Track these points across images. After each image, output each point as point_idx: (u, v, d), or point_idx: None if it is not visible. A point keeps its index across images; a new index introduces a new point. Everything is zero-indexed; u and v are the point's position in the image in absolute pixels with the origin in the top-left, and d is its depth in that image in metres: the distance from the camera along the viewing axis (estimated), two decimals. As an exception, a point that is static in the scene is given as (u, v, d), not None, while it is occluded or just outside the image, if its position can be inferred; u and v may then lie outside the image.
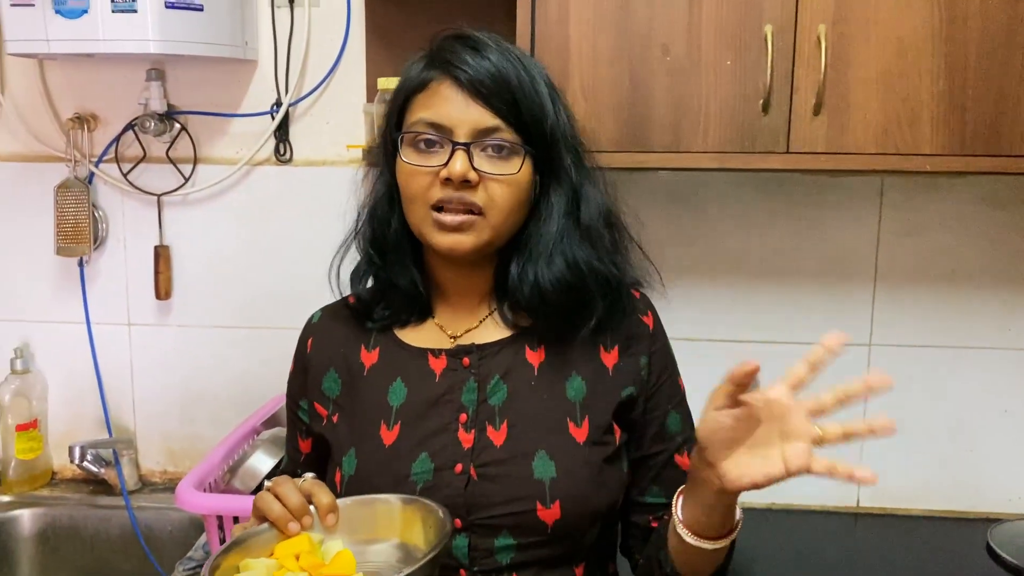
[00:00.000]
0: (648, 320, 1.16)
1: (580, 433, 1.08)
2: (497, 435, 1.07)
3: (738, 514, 0.99)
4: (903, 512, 1.80)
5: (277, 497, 0.95)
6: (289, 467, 1.25)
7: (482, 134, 1.04)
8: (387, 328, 1.15)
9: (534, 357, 1.11)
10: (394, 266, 1.13)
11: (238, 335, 1.89)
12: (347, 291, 1.19)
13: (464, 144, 1.03)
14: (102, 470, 1.85)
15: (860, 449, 1.76)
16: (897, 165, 1.39)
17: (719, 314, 1.79)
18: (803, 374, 0.88)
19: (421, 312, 1.16)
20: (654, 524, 1.15)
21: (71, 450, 1.78)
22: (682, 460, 1.13)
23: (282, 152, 1.81)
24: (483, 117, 1.03)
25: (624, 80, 1.40)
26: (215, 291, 1.88)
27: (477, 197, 1.04)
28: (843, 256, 1.75)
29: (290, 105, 1.79)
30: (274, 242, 1.84)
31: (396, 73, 1.14)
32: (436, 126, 1.04)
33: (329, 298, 1.21)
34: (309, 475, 1.00)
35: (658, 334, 1.16)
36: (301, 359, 1.19)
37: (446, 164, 1.03)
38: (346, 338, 1.17)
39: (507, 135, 1.04)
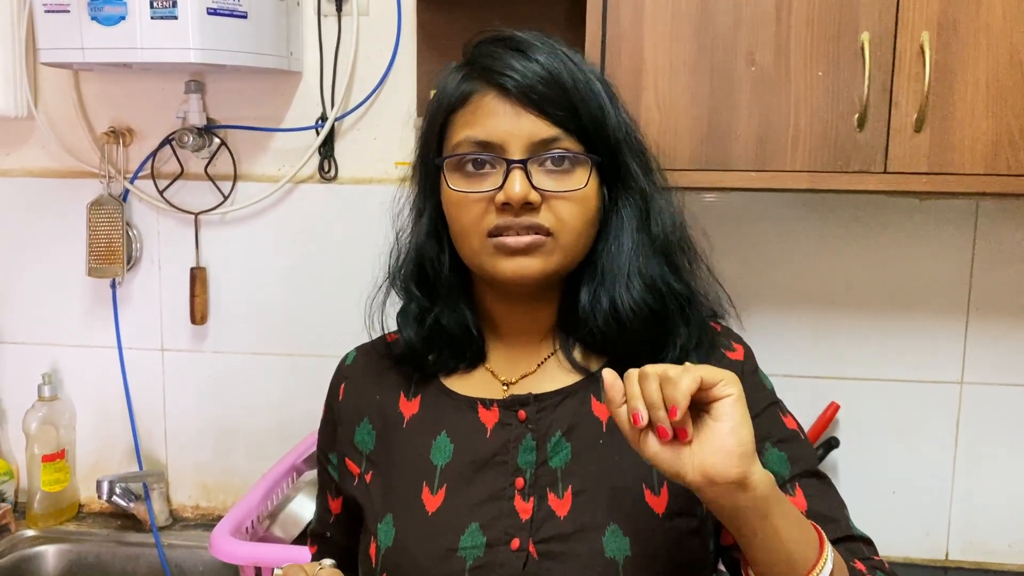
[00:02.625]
0: (735, 355, 1.00)
1: (659, 503, 0.92)
2: (560, 504, 0.92)
3: (824, 561, 0.79)
4: (997, 567, 1.65)
5: None
6: (318, 528, 1.13)
7: (539, 147, 0.91)
8: (433, 375, 1.02)
9: (602, 409, 0.96)
10: (445, 308, 1.00)
11: (278, 363, 1.78)
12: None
13: (520, 161, 0.91)
14: (131, 504, 1.74)
15: (950, 498, 1.64)
16: (1008, 187, 1.26)
17: (796, 348, 1.65)
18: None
19: (474, 357, 1.02)
20: None
21: (99, 485, 1.68)
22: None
23: (327, 169, 1.71)
24: (538, 127, 0.91)
25: (704, 91, 1.28)
26: (254, 316, 1.78)
27: (543, 219, 0.91)
28: (933, 285, 1.61)
29: (336, 119, 1.69)
30: (317, 264, 1.74)
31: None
32: (484, 144, 0.92)
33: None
34: (328, 562, 0.86)
35: (747, 368, 1.00)
36: (332, 407, 1.07)
37: (501, 187, 0.90)
38: (383, 384, 1.04)
39: (568, 144, 0.92)
